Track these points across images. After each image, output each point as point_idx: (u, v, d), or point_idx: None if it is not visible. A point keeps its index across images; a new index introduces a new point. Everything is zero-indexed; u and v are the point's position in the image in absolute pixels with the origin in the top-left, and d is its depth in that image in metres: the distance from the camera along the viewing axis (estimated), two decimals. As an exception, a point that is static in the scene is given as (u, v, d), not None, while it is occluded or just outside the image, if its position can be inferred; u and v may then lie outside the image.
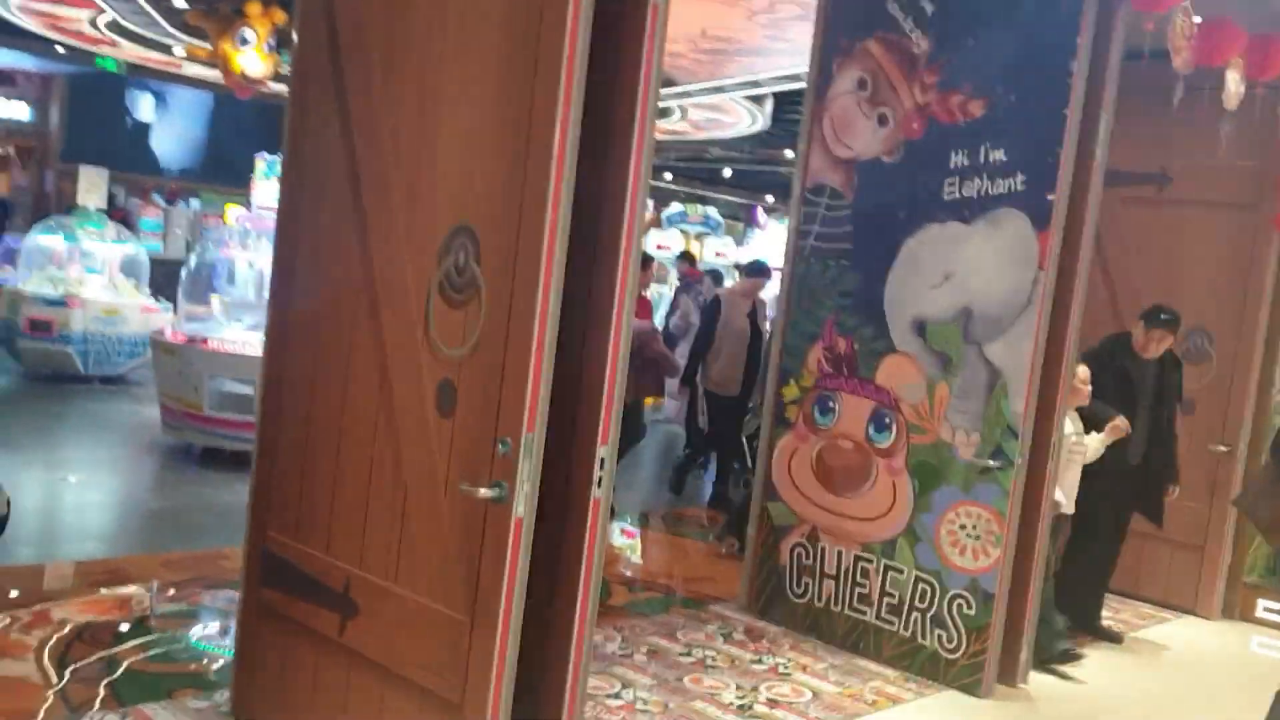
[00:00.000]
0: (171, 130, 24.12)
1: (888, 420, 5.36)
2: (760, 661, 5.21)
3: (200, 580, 5.58)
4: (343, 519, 3.39)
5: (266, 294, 9.12)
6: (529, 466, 2.84)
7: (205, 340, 8.34)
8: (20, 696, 3.94)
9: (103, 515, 6.96)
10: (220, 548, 6.17)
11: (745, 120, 15.05)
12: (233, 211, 14.29)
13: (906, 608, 5.28)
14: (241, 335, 8.55)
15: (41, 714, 3.83)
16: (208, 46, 10.43)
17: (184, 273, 9.26)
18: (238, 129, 23.36)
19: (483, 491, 2.88)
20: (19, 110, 22.09)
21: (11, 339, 11.08)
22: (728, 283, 12.40)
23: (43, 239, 11.80)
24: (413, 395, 3.14)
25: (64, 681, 4.10)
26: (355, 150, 3.36)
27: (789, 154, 15.78)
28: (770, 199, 25.04)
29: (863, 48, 5.54)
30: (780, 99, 13.22)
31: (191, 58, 14.37)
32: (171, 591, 5.36)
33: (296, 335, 3.69)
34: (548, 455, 2.90)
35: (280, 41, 10.09)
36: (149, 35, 14.98)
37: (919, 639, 5.22)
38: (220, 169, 23.18)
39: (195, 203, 21.28)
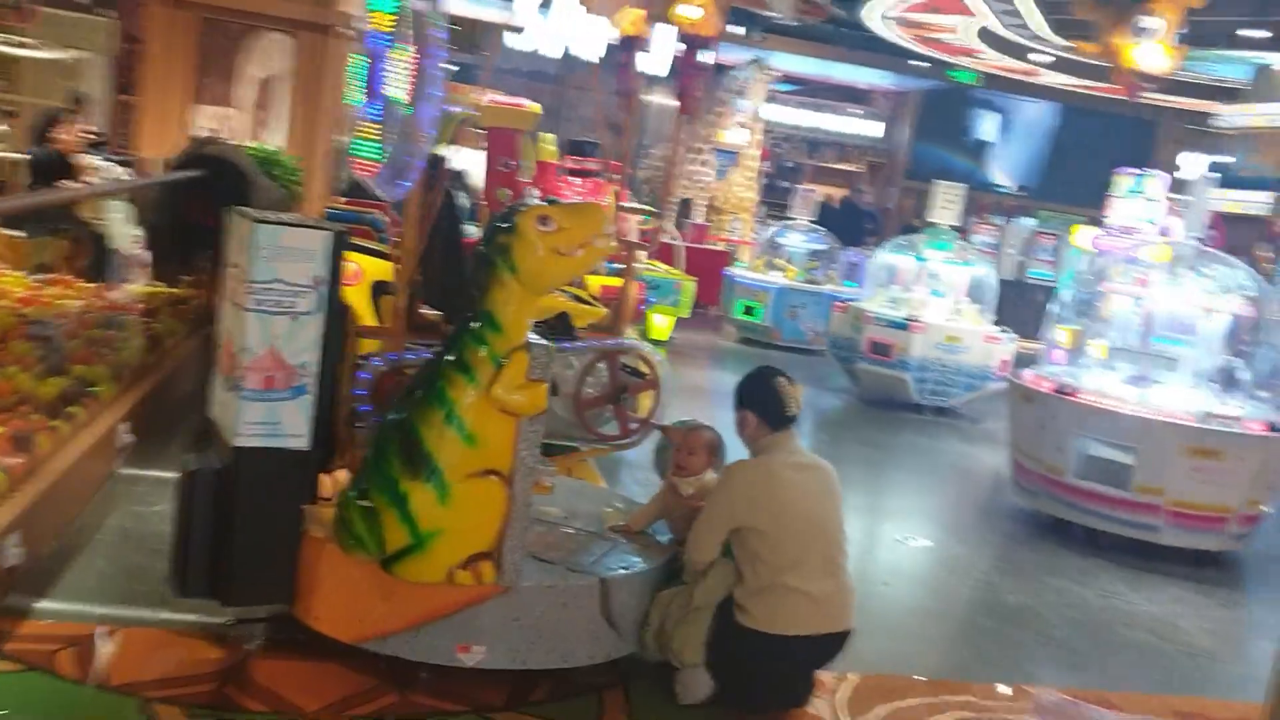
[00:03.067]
0: (1012, 146, 23.24)
1: None
2: None
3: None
4: None
5: (1155, 339, 7.42)
6: None
7: (1075, 391, 6.83)
8: None
9: (946, 601, 5.77)
10: (1102, 691, 4.60)
11: None
12: (1082, 233, 12.70)
13: None
14: (1119, 388, 6.89)
15: None
16: (1094, 41, 8.91)
17: (1054, 307, 7.83)
18: (1082, 143, 21.72)
19: None
20: (873, 129, 22.76)
21: (851, 360, 10.66)
22: None
23: (890, 257, 11.26)
24: None
25: None
26: None
27: None
28: None
29: None
30: None
31: (1065, 58, 13.03)
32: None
33: None
34: None
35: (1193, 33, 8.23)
36: (1016, 39, 13.98)
37: None
38: (1060, 185, 21.73)
39: (1030, 221, 20.05)
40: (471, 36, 13.99)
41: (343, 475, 4.03)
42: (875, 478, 8.16)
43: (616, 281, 6.67)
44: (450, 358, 3.55)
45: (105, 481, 5.14)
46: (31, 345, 5.85)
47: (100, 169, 8.80)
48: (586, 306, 5.98)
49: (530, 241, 3.45)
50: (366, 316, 5.49)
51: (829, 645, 3.87)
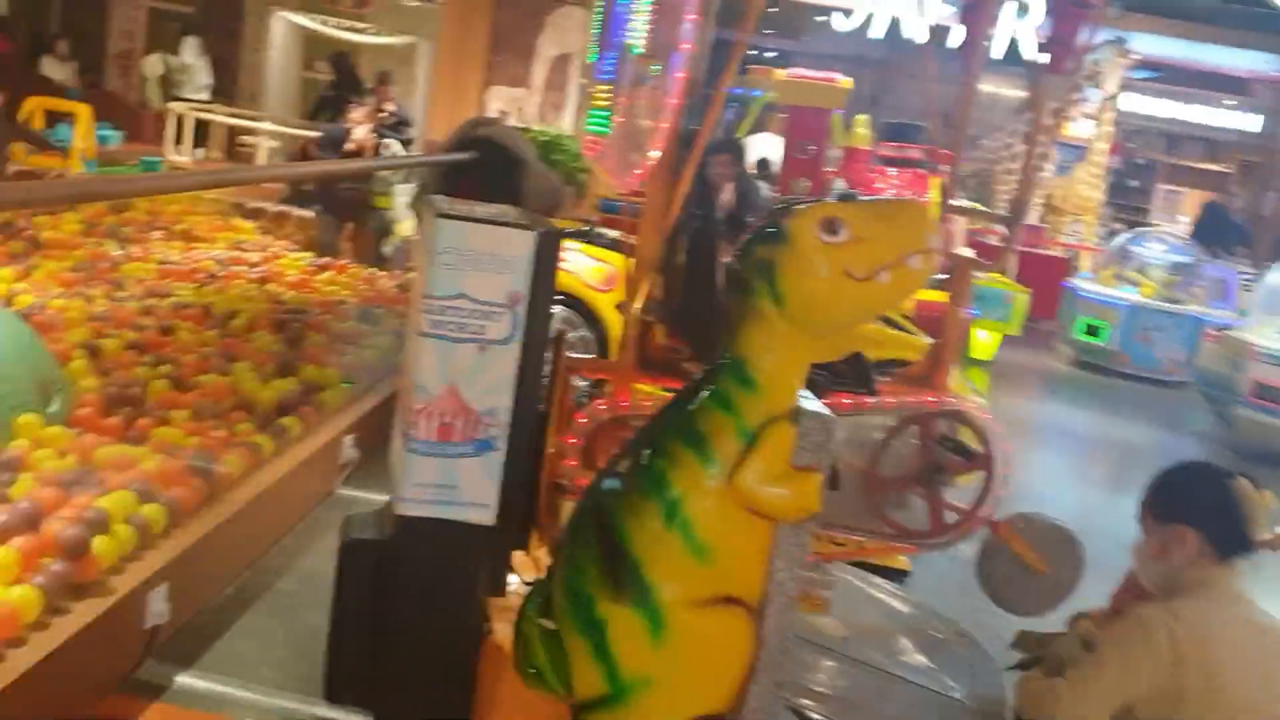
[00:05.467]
0: None
1: None
2: None
3: None
4: None
5: None
6: None
7: None
8: None
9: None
10: None
11: None
12: None
13: None
14: None
15: None
16: None
17: None
18: None
19: None
20: (1249, 121, 19.71)
21: (1225, 401, 8.69)
22: None
23: (1281, 277, 9.18)
24: None
25: None
26: None
27: None
28: None
29: None
30: None
31: None
32: None
33: None
34: None
35: None
36: None
37: None
38: None
39: None
40: (787, 19, 12.83)
41: (545, 558, 3.01)
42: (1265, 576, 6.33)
43: (940, 296, 4.94)
44: (679, 421, 2.40)
45: (320, 502, 4.43)
46: (274, 339, 5.31)
47: (387, 149, 8.38)
48: (900, 335, 4.68)
49: (807, 257, 2.22)
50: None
51: None
